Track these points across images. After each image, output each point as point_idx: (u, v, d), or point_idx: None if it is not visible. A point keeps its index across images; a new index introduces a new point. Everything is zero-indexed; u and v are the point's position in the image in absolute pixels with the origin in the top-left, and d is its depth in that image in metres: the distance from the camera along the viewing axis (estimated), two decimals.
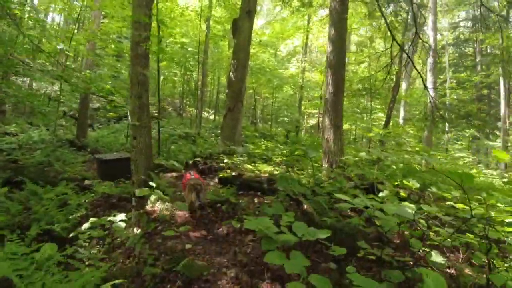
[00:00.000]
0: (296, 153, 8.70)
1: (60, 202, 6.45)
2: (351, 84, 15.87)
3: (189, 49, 18.76)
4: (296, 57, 31.54)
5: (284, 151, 10.48)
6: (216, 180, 7.66)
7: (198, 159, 9.42)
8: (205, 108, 28.23)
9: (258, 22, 22.98)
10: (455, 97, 28.29)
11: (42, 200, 6.44)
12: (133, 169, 6.43)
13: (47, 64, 15.58)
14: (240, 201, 5.87)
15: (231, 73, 11.93)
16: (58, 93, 19.03)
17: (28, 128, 15.84)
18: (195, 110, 24.08)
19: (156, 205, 5.83)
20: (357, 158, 5.74)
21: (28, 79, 19.50)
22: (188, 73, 22.74)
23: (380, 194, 4.80)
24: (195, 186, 5.24)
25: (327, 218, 3.91)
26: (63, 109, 18.42)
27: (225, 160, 9.36)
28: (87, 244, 5.07)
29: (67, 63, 25.63)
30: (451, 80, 33.46)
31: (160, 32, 15.17)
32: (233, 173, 7.57)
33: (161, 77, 31.53)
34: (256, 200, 6.19)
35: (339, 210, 4.72)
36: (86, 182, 7.16)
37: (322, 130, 8.87)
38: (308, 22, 22.07)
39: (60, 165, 10.28)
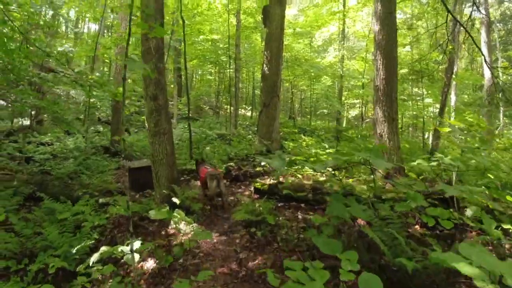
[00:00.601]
0: (352, 158, 7.39)
1: (76, 223, 5.60)
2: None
3: (221, 45, 17.75)
4: (332, 45, 29.83)
5: (330, 150, 9.18)
6: (252, 188, 6.54)
7: (231, 164, 8.35)
8: (241, 105, 27.26)
9: (290, 12, 21.51)
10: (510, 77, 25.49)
11: (57, 222, 5.62)
12: (155, 182, 5.44)
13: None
14: (279, 219, 4.70)
15: (264, 66, 10.75)
16: (92, 100, 18.81)
17: (65, 137, 15.46)
18: (231, 108, 23.16)
19: (181, 226, 4.80)
20: (433, 162, 4.38)
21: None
22: (221, 70, 21.79)
23: (467, 213, 3.46)
24: (216, 175, 5.79)
25: (406, 260, 2.59)
26: (98, 116, 18.03)
27: (262, 163, 8.21)
28: (97, 277, 4.14)
29: (105, 69, 25.50)
30: (502, 59, 30.42)
31: (186, 28, 14.28)
32: (271, 180, 6.42)
33: (195, 76, 31.00)
34: (299, 215, 5.01)
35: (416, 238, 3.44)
36: (102, 200, 6.22)
37: (373, 123, 7.50)
38: (344, 6, 20.38)
39: (89, 175, 9.59)
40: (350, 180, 6.51)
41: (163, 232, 4.87)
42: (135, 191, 7.77)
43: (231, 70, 18.99)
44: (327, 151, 8.97)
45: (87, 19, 25.49)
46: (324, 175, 6.45)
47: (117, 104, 13.85)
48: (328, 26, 22.52)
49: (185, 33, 14.62)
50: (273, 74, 10.51)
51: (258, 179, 7.05)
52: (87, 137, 14.92)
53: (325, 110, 30.89)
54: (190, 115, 22.66)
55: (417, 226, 4.33)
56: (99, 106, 17.85)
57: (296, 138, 13.11)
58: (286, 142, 11.83)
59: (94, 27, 30.65)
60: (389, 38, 7.43)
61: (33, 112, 16.70)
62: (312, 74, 18.57)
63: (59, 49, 13.17)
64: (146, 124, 5.39)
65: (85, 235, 5.05)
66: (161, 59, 5.28)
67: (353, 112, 27.39)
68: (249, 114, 27.41)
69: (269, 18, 10.79)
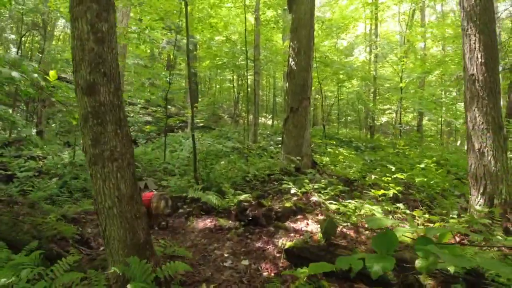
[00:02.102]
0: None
1: None
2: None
3: (238, 46, 15.19)
4: (359, 47, 26.94)
5: (398, 174, 6.36)
6: (279, 242, 3.85)
7: (246, 195, 5.65)
8: (261, 113, 24.62)
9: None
10: None
11: None
12: (105, 245, 2.82)
13: None
14: None
15: (290, 60, 8.10)
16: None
17: (63, 149, 13.13)
18: (251, 116, 20.54)
19: None
20: None
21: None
22: (240, 75, 19.24)
23: None
24: (164, 196, 5.36)
25: None
26: None
27: (292, 191, 5.51)
28: None
29: None
30: None
31: (197, 23, 11.80)
32: (311, 226, 3.72)
33: (209, 81, 28.52)
34: None
35: None
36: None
37: (467, 134, 4.68)
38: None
39: (60, 202, 7.10)
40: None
41: None
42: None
43: (249, 75, 16.47)
44: (394, 176, 6.20)
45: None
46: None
47: None
48: (356, 24, 19.77)
49: (197, 29, 12.20)
50: (302, 70, 7.86)
51: (288, 223, 4.36)
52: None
53: (349, 117, 27.91)
54: (205, 124, 20.30)
55: None
56: None
57: (329, 149, 10.31)
58: (317, 156, 9.07)
59: None
60: (484, 4, 4.67)
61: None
62: (341, 76, 15.77)
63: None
64: (81, 140, 2.79)
65: None
66: (108, 9, 2.64)
67: (382, 119, 24.37)
68: (269, 122, 24.75)
69: (296, 0, 8.17)
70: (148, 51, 24.45)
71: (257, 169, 7.37)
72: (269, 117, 26.31)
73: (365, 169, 8.45)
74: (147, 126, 12.62)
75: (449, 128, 24.34)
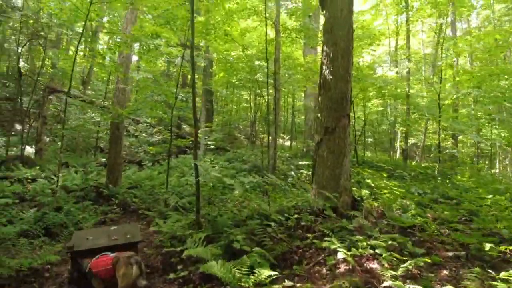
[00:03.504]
0: None
1: None
2: None
3: (256, 62, 13.40)
4: (382, 66, 24.98)
5: None
6: None
7: (270, 275, 3.61)
8: (278, 134, 22.64)
9: None
10: None
11: None
12: None
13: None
14: None
15: (324, 69, 6.17)
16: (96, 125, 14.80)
17: (59, 171, 11.36)
18: (269, 137, 18.62)
19: None
20: None
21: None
22: (258, 93, 17.42)
23: None
24: (133, 258, 3.59)
25: None
26: (100, 145, 13.89)
27: (340, 256, 3.46)
28: None
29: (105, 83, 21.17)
30: None
31: (211, 32, 9.98)
32: None
33: (222, 99, 26.74)
34: None
35: None
36: None
37: None
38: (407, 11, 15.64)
39: (27, 246, 5.21)
40: None
41: None
42: None
43: (266, 95, 14.64)
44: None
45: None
46: None
47: (116, 130, 9.65)
48: (382, 39, 17.86)
49: (209, 39, 10.42)
50: (339, 80, 5.92)
51: None
52: (82, 175, 10.75)
53: (370, 139, 25.64)
54: (220, 145, 18.38)
55: None
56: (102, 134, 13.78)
57: (367, 179, 8.20)
58: (355, 189, 6.99)
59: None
60: None
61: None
62: (370, 93, 13.75)
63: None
64: None
65: None
66: None
67: (410, 141, 22.01)
68: (287, 143, 22.71)
69: None
70: (161, 65, 23.01)
71: (281, 209, 5.32)
72: (287, 138, 24.29)
73: (419, 205, 6.33)
74: (150, 148, 10.75)
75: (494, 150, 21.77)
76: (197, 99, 20.62)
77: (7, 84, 16.49)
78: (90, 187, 9.36)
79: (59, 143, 15.44)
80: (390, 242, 4.09)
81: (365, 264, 3.81)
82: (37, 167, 11.10)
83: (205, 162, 11.71)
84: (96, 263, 3.69)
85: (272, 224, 4.63)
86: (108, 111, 9.96)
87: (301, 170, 12.90)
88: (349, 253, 3.69)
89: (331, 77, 5.97)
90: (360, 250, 3.73)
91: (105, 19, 14.72)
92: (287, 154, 16.04)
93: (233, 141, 21.76)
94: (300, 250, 4.38)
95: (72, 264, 4.13)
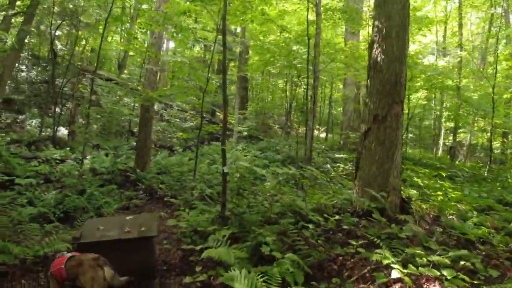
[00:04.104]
0: None
1: None
2: None
3: (294, 47, 12.56)
4: (427, 57, 23.22)
5: None
6: None
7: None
8: (315, 125, 21.64)
9: None
10: None
11: None
12: None
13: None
14: None
15: (375, 47, 5.32)
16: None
17: (91, 152, 11.19)
18: (305, 128, 17.72)
19: None
20: None
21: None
22: (294, 80, 16.55)
23: None
24: (101, 259, 3.03)
25: None
26: (132, 129, 13.57)
27: (395, 274, 2.68)
28: None
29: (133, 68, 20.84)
30: None
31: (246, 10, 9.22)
32: None
33: (256, 88, 25.94)
34: None
35: None
36: None
37: None
38: None
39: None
40: None
41: None
42: None
43: (302, 84, 13.75)
44: None
45: None
46: None
47: (147, 113, 9.23)
48: (430, 27, 16.38)
49: (245, 19, 9.68)
50: (393, 60, 5.06)
51: None
52: (112, 158, 10.48)
53: (410, 134, 24.06)
54: (253, 133, 17.72)
55: None
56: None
57: (415, 178, 7.25)
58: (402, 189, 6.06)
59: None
60: None
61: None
62: (417, 84, 12.52)
63: None
64: None
65: None
66: None
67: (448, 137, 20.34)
68: (323, 135, 21.70)
69: None
70: (197, 52, 22.61)
71: (318, 208, 4.58)
72: (323, 129, 23.25)
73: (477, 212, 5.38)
74: (181, 133, 10.26)
75: None
76: (232, 86, 20.11)
77: (47, 67, 16.63)
78: (118, 171, 9.03)
79: (94, 125, 15.55)
80: (453, 258, 3.28)
81: (422, 283, 3.03)
82: (68, 149, 10.93)
83: (236, 150, 11.07)
84: (55, 261, 3.11)
85: (310, 226, 3.90)
86: (139, 93, 9.54)
87: (338, 164, 12.03)
88: (405, 270, 2.91)
89: (383, 57, 5.11)
90: (420, 268, 2.94)
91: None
92: (323, 146, 15.16)
93: (267, 130, 21.04)
94: (340, 258, 3.65)
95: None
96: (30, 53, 16.10)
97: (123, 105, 14.65)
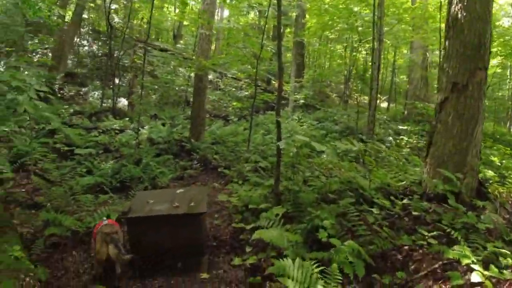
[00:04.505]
0: None
1: None
2: None
3: (355, 8, 11.56)
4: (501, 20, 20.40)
5: None
6: None
7: None
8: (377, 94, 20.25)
9: None
10: None
11: None
12: None
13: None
14: None
15: (455, 3, 4.49)
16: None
17: (149, 123, 11.46)
18: (365, 97, 16.63)
19: None
20: None
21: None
22: (355, 45, 15.44)
23: None
24: (111, 234, 3.20)
25: None
26: (189, 99, 13.56)
27: (475, 278, 2.21)
28: None
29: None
30: None
31: None
32: None
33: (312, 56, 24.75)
34: None
35: None
36: None
37: None
38: None
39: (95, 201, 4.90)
40: None
41: None
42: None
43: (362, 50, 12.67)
44: None
45: None
46: None
47: (200, 82, 9.10)
48: None
49: None
50: (476, 18, 4.27)
51: None
52: (168, 127, 10.61)
53: (485, 114, 21.52)
54: (309, 102, 17.05)
55: None
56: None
57: (492, 157, 6.39)
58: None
59: None
60: None
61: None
62: (494, 49, 10.98)
63: None
64: None
65: None
66: None
67: None
68: (384, 105, 20.34)
69: None
70: (252, 19, 21.96)
71: (382, 187, 4.12)
72: (384, 98, 21.79)
73: None
74: (235, 103, 10.04)
75: None
76: (288, 53, 19.35)
77: (107, 41, 17.20)
78: (174, 141, 9.12)
79: (153, 96, 15.94)
80: None
81: None
82: (126, 119, 11.26)
83: (292, 120, 10.65)
84: (96, 226, 3.45)
85: (374, 210, 3.48)
86: (192, 62, 9.39)
87: (401, 136, 11.15)
88: (486, 273, 2.43)
89: (464, 14, 4.32)
90: (505, 272, 2.43)
91: None
92: (385, 117, 14.17)
93: (324, 99, 20.16)
94: (406, 247, 3.22)
95: (129, 231, 3.61)
96: (91, 28, 16.70)
97: (177, 75, 14.73)
